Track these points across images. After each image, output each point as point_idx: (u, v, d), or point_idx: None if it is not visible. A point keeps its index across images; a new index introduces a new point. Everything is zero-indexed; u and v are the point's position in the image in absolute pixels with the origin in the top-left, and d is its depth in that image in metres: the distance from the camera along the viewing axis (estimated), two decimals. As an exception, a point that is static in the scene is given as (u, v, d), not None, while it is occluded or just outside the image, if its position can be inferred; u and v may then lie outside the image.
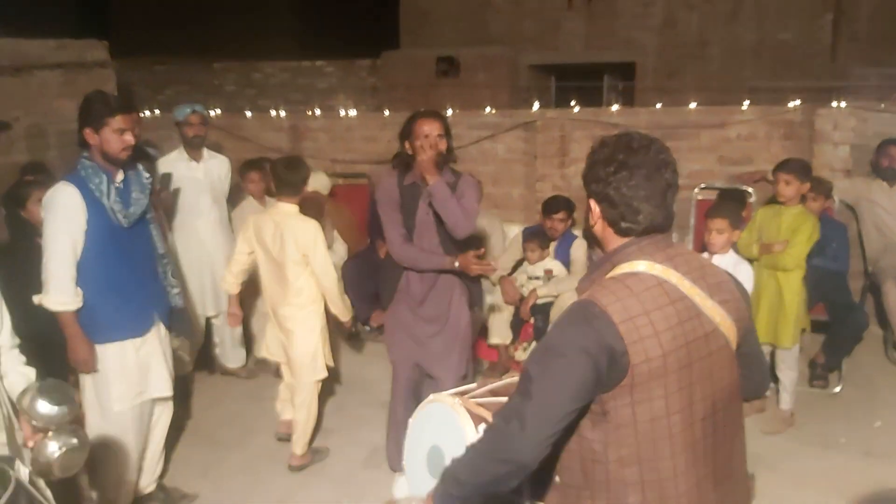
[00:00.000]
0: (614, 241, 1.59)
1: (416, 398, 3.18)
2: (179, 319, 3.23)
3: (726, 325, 1.55)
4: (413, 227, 3.12)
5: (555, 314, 4.56)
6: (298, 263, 3.46)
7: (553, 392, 1.44)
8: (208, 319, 4.59)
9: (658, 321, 1.46)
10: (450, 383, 2.98)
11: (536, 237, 4.55)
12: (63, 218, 2.77)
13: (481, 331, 4.68)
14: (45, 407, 1.80)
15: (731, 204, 4.01)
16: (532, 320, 4.48)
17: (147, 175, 3.12)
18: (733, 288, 1.61)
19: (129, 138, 2.85)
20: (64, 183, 2.82)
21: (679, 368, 1.47)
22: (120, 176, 2.94)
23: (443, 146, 3.01)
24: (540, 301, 4.44)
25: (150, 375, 3.06)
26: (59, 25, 7.27)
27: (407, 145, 3.06)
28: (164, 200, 3.86)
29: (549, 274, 4.51)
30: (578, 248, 4.55)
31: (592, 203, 1.61)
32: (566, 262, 4.57)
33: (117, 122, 2.82)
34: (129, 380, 2.99)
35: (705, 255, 3.46)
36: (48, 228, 2.80)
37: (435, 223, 3.09)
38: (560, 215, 4.53)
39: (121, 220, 2.89)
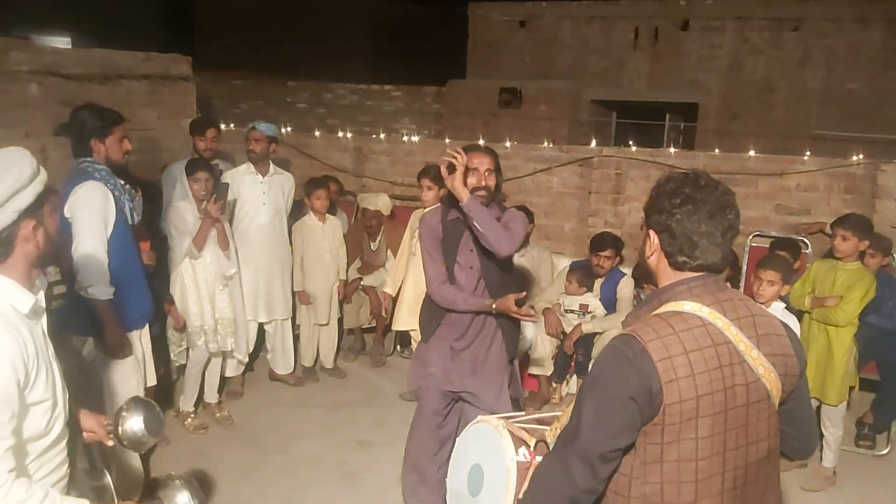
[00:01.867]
0: (667, 275, 1.59)
1: (439, 438, 3.12)
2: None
3: (770, 379, 1.51)
4: (455, 264, 3.00)
5: (598, 350, 4.53)
6: None
7: (599, 429, 1.46)
8: (261, 325, 4.72)
9: (696, 362, 1.45)
10: (488, 401, 2.97)
11: (578, 271, 4.52)
12: (99, 214, 2.99)
13: (522, 359, 4.68)
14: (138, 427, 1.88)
15: (784, 256, 3.92)
16: (574, 354, 4.47)
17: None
18: (786, 343, 1.56)
19: (127, 145, 3.14)
20: (94, 182, 3.02)
21: (713, 413, 1.46)
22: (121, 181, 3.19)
23: (491, 182, 2.90)
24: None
25: (145, 365, 3.32)
26: (146, 39, 7.66)
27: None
28: (211, 211, 3.93)
29: (583, 309, 4.47)
30: (625, 286, 4.51)
31: (651, 234, 1.60)
32: (612, 300, 4.54)
33: (120, 130, 3.10)
34: (139, 368, 3.24)
35: None
36: (84, 224, 2.98)
37: (479, 261, 2.97)
38: (607, 252, 4.49)
39: (135, 218, 3.16)
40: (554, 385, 4.63)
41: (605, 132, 11.09)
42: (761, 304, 3.35)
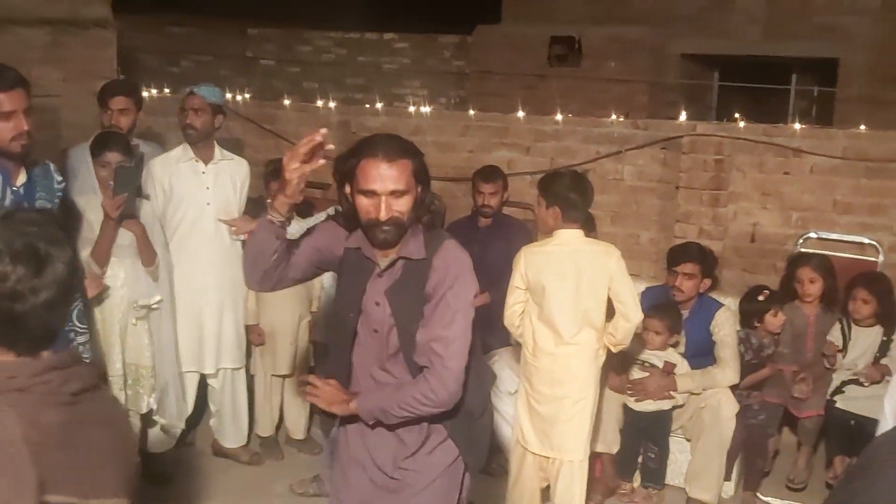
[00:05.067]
0: None
1: None
2: None
3: None
4: (352, 322, 2.77)
5: (688, 427, 4.54)
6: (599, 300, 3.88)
7: None
8: (204, 378, 4.74)
9: None
10: None
11: (667, 314, 4.50)
12: None
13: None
14: None
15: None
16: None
17: (59, 178, 3.35)
18: None
19: (20, 123, 3.11)
20: None
21: None
22: (21, 177, 3.21)
23: (402, 207, 2.61)
24: (652, 408, 4.43)
25: None
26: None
27: (348, 189, 2.68)
28: (107, 208, 3.90)
29: (668, 369, 4.48)
30: (725, 323, 4.49)
31: None
32: (705, 342, 4.52)
33: (9, 99, 3.09)
34: None
35: None
36: None
37: (394, 321, 2.71)
38: (687, 268, 4.52)
39: None
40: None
41: (703, 102, 11.04)
42: None
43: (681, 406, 4.49)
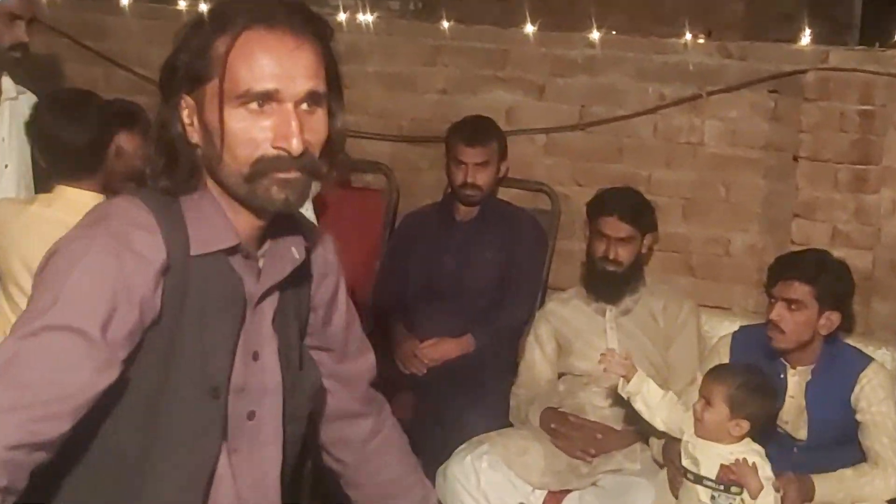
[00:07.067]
0: None
1: None
2: None
3: None
4: (220, 407, 2.30)
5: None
6: None
7: None
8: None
9: None
10: None
11: (733, 374, 4.44)
12: None
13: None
14: None
15: None
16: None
17: None
18: None
19: None
20: None
21: None
22: None
23: (317, 137, 2.21)
24: None
25: None
26: None
27: (194, 107, 2.21)
28: None
29: (730, 475, 4.35)
30: (877, 391, 4.55)
31: None
32: (839, 422, 4.60)
33: None
34: None
35: None
36: None
37: (281, 382, 2.43)
38: (792, 290, 4.50)
39: None
40: None
41: (837, 13, 11.11)
42: None
43: None
